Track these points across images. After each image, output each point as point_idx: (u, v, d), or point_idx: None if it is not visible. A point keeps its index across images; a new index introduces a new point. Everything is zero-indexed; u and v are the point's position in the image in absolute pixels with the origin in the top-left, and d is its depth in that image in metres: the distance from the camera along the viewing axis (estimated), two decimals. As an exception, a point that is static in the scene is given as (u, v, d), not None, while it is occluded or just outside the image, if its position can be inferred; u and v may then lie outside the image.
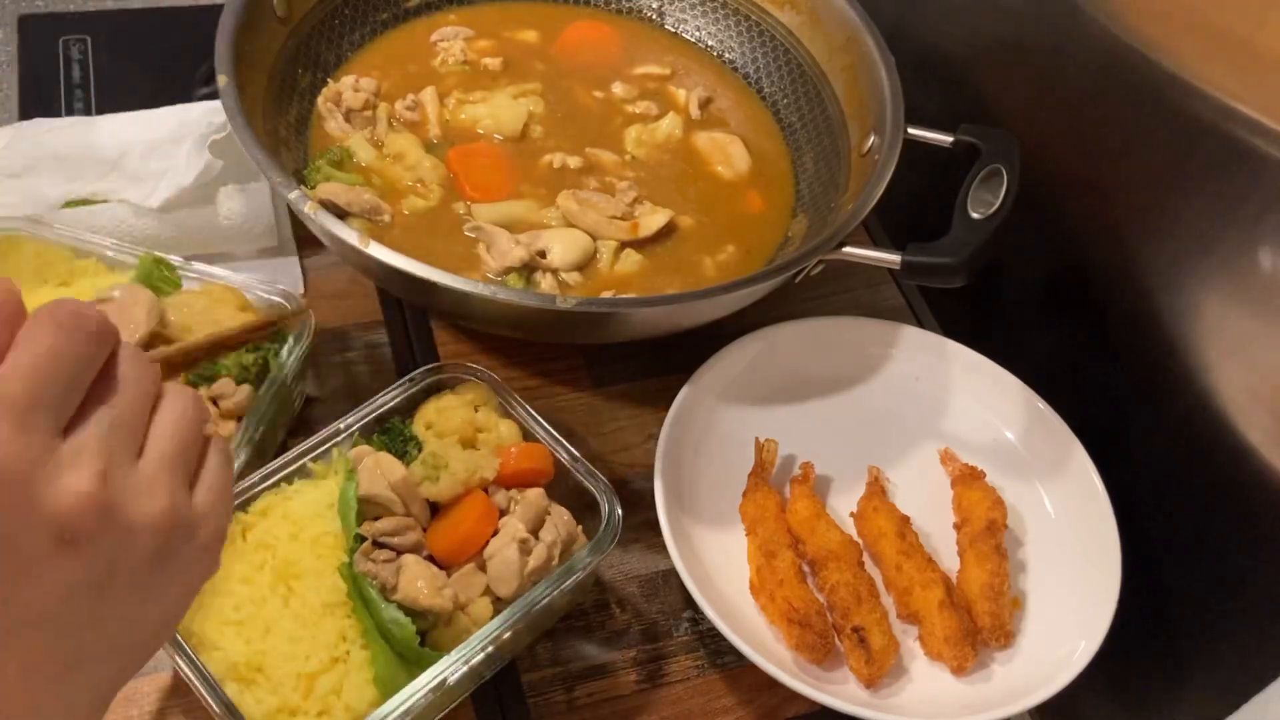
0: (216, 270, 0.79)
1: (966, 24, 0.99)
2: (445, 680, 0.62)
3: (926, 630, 0.73)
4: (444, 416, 0.72)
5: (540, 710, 0.71)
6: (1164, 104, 0.77)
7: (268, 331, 0.70)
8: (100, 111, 1.00)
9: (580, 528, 0.70)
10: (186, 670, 0.61)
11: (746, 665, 0.69)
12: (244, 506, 0.68)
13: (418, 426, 0.72)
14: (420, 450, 0.70)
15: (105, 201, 0.87)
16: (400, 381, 0.74)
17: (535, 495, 0.69)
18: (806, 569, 0.75)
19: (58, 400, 0.37)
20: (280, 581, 0.65)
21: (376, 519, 0.67)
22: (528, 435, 0.73)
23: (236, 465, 0.70)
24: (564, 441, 0.72)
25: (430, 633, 0.65)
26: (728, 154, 0.96)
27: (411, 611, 0.64)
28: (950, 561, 0.78)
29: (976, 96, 0.99)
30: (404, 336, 0.89)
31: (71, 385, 0.38)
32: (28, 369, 0.36)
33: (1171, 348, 0.80)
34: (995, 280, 0.99)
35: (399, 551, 0.66)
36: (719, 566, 0.75)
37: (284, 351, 0.76)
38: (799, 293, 0.85)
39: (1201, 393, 0.77)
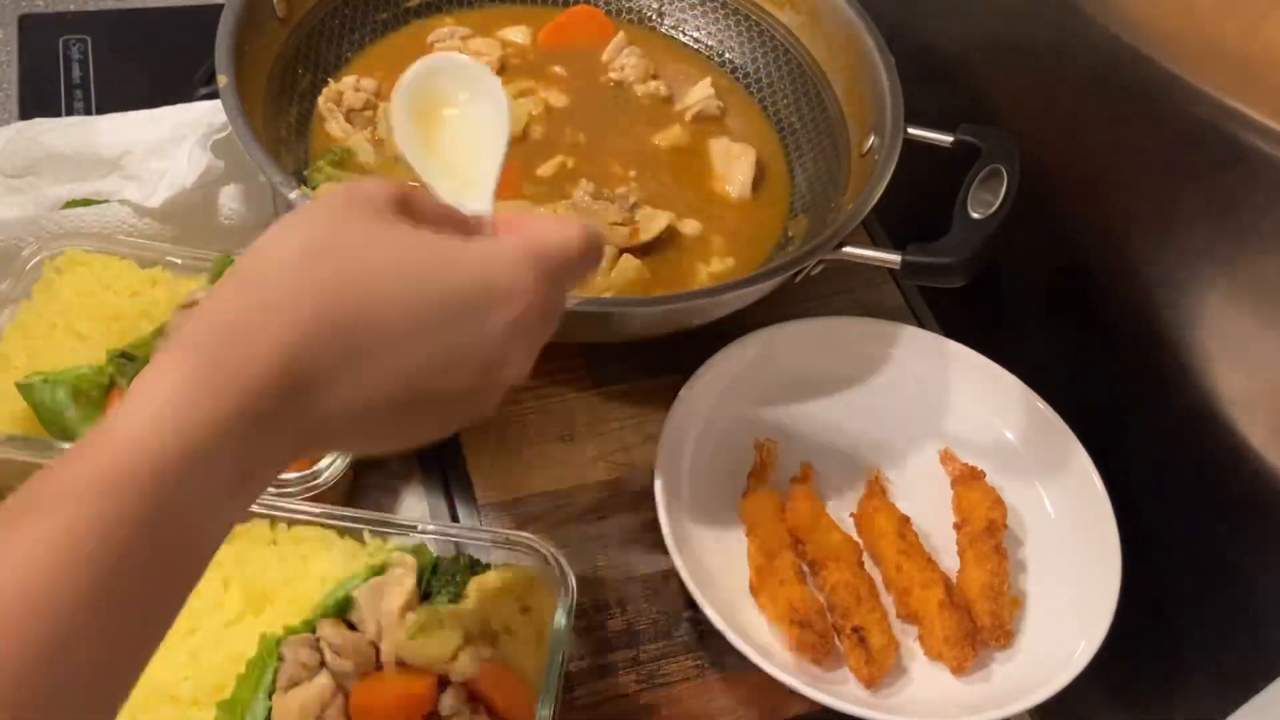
0: None
1: (966, 24, 0.99)
2: None
3: (926, 630, 0.73)
4: (491, 594, 0.64)
5: (540, 710, 0.71)
6: (1164, 104, 0.77)
7: None
8: (100, 111, 1.00)
9: None
10: None
11: (747, 665, 0.69)
12: (288, 523, 0.66)
13: (472, 586, 0.65)
14: (444, 602, 0.64)
15: (106, 202, 0.86)
16: (504, 533, 0.68)
17: None
18: (806, 569, 0.75)
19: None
20: (246, 604, 0.63)
21: (348, 622, 0.62)
22: (545, 670, 0.62)
23: (342, 467, 0.70)
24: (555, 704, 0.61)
25: None
26: (730, 157, 0.96)
27: None
28: (950, 561, 0.78)
29: (976, 96, 0.99)
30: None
31: None
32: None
33: (1171, 348, 0.80)
34: (995, 280, 0.99)
35: (323, 665, 0.61)
36: (719, 566, 0.75)
37: None
38: (799, 293, 0.85)
39: (1201, 393, 0.77)
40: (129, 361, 0.72)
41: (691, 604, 0.72)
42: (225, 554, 0.65)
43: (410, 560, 0.65)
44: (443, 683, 0.61)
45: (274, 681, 0.60)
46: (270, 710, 0.59)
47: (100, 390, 0.71)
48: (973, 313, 0.96)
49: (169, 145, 0.88)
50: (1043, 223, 0.92)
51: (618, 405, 0.87)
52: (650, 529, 0.76)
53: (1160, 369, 0.81)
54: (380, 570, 0.64)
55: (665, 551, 0.73)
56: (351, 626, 0.63)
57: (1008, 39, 0.94)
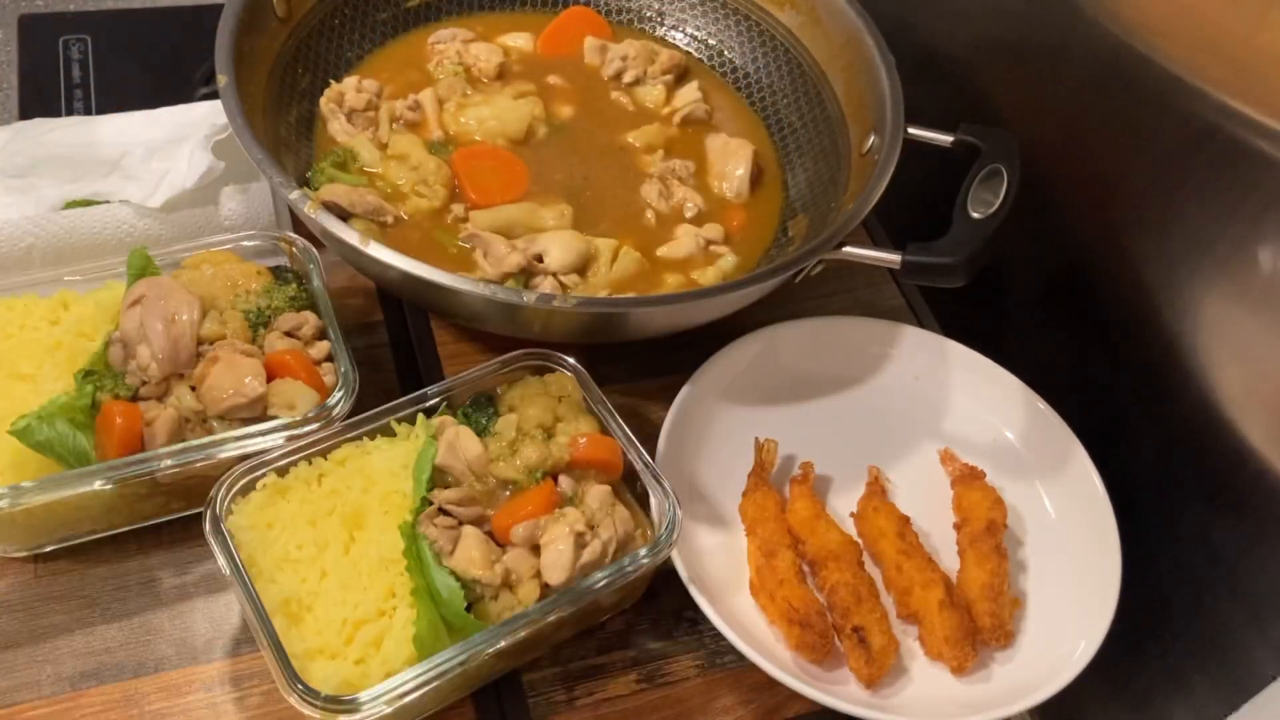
0: (201, 240, 0.81)
1: (966, 24, 0.99)
2: (482, 651, 0.63)
3: (926, 630, 0.73)
4: (527, 402, 0.74)
5: (540, 710, 0.71)
6: (1164, 104, 0.77)
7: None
8: (100, 111, 1.00)
9: (640, 530, 0.71)
10: (243, 597, 0.63)
11: (746, 665, 0.69)
12: (324, 453, 0.70)
13: (502, 407, 0.74)
14: (499, 429, 0.72)
15: (106, 202, 0.87)
16: (493, 361, 0.75)
17: (600, 492, 0.70)
18: (806, 569, 0.75)
19: None
20: (345, 529, 0.67)
21: (447, 487, 0.69)
22: (605, 432, 0.74)
23: (348, 393, 0.73)
24: (637, 444, 0.72)
25: (476, 605, 0.66)
26: (727, 153, 0.96)
27: (462, 580, 0.65)
28: (950, 561, 0.78)
29: (976, 96, 0.99)
30: (404, 336, 0.89)
31: None
32: None
33: (1171, 348, 0.80)
34: (995, 280, 0.99)
35: (461, 521, 0.67)
36: (719, 566, 0.75)
37: (313, 275, 0.79)
38: (799, 293, 0.85)
39: (1201, 393, 0.77)
40: (98, 375, 0.71)
41: (691, 604, 0.72)
42: (287, 513, 0.68)
43: (449, 418, 0.72)
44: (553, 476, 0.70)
45: (437, 554, 0.65)
46: (452, 572, 0.65)
47: (84, 412, 0.70)
48: (973, 313, 0.97)
49: (169, 146, 0.88)
50: (1043, 223, 0.92)
51: (618, 405, 0.86)
52: (650, 529, 0.76)
53: (1160, 369, 0.81)
54: (434, 437, 0.70)
55: (665, 551, 0.73)
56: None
57: (1008, 39, 0.94)
